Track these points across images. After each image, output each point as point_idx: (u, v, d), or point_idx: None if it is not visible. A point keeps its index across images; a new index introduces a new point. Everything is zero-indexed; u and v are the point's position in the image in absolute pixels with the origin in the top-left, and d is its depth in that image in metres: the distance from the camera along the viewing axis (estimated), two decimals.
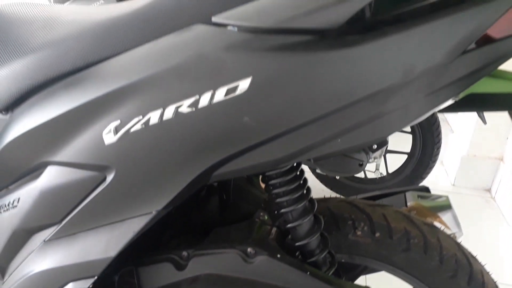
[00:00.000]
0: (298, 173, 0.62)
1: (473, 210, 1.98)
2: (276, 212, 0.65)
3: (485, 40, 0.51)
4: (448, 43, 0.48)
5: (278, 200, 0.61)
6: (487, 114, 0.89)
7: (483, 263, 0.78)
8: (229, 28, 0.48)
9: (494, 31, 0.51)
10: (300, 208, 0.62)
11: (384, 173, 1.88)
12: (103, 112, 0.53)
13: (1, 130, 0.61)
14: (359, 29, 0.49)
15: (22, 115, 0.59)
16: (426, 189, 0.98)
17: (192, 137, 0.51)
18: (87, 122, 0.54)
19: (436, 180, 2.19)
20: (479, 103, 0.61)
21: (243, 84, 0.48)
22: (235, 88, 0.48)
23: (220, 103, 0.49)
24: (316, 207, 0.65)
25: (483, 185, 2.13)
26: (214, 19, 0.49)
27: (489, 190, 2.13)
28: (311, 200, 0.65)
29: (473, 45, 0.51)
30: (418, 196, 0.91)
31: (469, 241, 1.75)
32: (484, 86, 0.60)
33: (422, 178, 1.78)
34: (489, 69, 0.54)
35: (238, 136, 0.51)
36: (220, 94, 0.48)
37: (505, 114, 1.95)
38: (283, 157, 0.52)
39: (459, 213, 2.01)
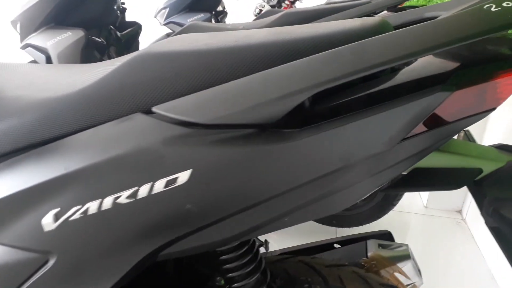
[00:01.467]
0: (249, 247, 0.61)
1: (444, 232, 2.01)
2: (228, 286, 0.64)
3: (437, 122, 0.52)
4: (385, 135, 0.49)
5: (230, 275, 0.60)
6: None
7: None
8: (169, 120, 0.48)
9: (446, 115, 0.52)
10: (252, 282, 0.61)
11: None
12: (43, 199, 0.51)
13: None
14: (298, 120, 0.50)
15: None
16: (388, 235, 0.99)
17: (133, 224, 0.50)
18: (28, 207, 0.52)
19: (409, 202, 2.22)
20: (426, 179, 0.62)
21: (183, 176, 0.47)
22: (175, 180, 0.47)
23: (160, 193, 0.48)
24: (268, 279, 0.64)
25: (454, 207, 2.16)
26: (154, 109, 0.49)
27: (460, 212, 2.17)
28: (264, 272, 0.64)
29: (422, 127, 0.52)
30: (379, 245, 0.91)
31: (439, 261, 1.78)
32: (430, 161, 0.61)
33: (393, 205, 1.80)
34: (436, 146, 0.55)
35: (181, 221, 0.50)
36: (160, 186, 0.47)
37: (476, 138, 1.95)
38: (230, 238, 0.52)
39: (430, 235, 2.03)
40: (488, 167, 0.60)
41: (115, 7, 1.51)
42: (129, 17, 1.79)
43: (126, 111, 0.51)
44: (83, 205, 0.49)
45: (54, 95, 0.55)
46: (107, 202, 0.48)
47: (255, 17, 1.83)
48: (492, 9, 0.49)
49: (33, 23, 1.40)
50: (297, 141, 0.47)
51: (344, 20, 0.60)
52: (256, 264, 0.62)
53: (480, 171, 0.60)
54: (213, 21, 2.28)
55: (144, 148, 0.47)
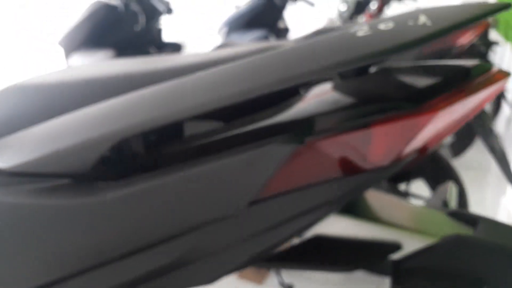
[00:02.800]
0: None
1: None
2: None
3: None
4: (225, 194, 0.40)
5: None
6: None
7: None
8: None
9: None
10: None
11: None
12: None
13: None
14: (125, 167, 0.42)
15: None
16: None
17: None
18: None
19: None
20: (326, 252, 0.47)
21: None
22: None
23: None
24: None
25: None
26: None
27: None
28: None
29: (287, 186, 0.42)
30: None
31: None
32: (335, 227, 0.46)
33: None
34: (327, 210, 0.43)
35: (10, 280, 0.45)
36: None
37: None
38: None
39: None
40: (411, 242, 0.44)
41: (149, 28, 1.55)
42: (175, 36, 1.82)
43: None
44: None
45: None
46: None
47: None
48: (360, 34, 0.36)
49: (73, 44, 1.51)
50: (109, 196, 0.39)
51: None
52: None
53: (397, 246, 0.45)
54: (272, 39, 2.23)
55: None
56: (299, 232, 0.44)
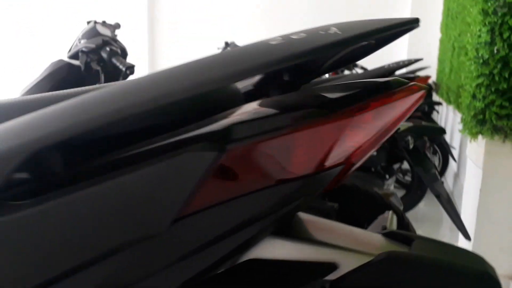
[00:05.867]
0: None
1: None
2: None
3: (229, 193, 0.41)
4: (145, 209, 0.38)
5: None
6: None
7: None
8: None
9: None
10: None
11: None
12: None
13: None
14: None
15: None
16: None
17: None
18: None
19: None
20: (258, 274, 0.46)
21: None
22: None
23: None
24: None
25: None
26: None
27: None
28: None
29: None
30: None
31: None
32: (269, 249, 0.47)
33: None
34: (258, 226, 0.41)
35: None
36: None
37: None
38: None
39: None
40: (348, 262, 0.45)
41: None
42: None
43: None
44: None
45: None
46: None
47: None
48: (273, 43, 0.39)
49: None
50: (17, 216, 0.36)
51: None
52: None
53: (333, 266, 0.45)
54: None
55: None
56: (232, 254, 0.42)
